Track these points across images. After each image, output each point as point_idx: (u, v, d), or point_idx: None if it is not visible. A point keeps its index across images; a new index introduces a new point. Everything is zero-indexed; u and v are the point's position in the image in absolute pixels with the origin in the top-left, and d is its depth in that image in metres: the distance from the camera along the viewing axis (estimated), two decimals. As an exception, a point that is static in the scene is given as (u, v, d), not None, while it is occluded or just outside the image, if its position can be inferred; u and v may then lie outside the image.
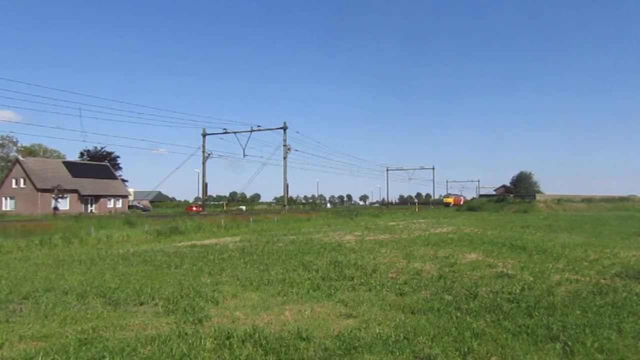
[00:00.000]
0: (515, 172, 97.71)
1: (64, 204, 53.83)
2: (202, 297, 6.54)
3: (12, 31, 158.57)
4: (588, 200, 61.33)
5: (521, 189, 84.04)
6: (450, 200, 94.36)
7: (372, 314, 5.58)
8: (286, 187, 46.50)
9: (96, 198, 59.18)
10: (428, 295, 6.59)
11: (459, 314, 5.49)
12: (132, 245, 15.13)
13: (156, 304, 6.15)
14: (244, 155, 45.86)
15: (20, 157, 55.35)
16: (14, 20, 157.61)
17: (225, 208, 67.41)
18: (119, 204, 62.25)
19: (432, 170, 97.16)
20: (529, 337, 4.62)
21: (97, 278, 8.26)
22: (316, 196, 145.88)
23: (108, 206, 60.13)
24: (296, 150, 54.80)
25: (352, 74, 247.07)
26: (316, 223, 29.44)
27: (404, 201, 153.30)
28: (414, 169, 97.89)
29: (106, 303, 6.25)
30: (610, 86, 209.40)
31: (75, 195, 55.92)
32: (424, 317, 5.42)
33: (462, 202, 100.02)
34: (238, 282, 7.76)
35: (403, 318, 5.37)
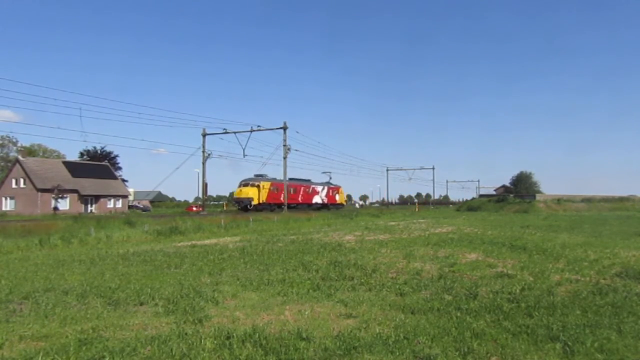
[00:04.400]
0: (515, 172, 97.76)
1: (63, 204, 53.76)
2: (202, 297, 6.53)
3: (12, 31, 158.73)
4: (588, 200, 61.46)
5: (521, 189, 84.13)
6: (250, 193, 45.04)
7: (372, 314, 5.57)
8: (286, 187, 46.55)
9: (96, 198, 59.14)
10: (428, 295, 6.59)
11: (459, 314, 5.49)
12: (132, 245, 15.14)
13: (156, 304, 6.15)
14: (244, 155, 45.82)
15: (20, 157, 55.20)
16: (14, 20, 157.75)
17: (225, 208, 67.30)
18: (119, 204, 62.18)
19: (432, 170, 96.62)
20: (529, 337, 4.62)
21: (97, 278, 8.26)
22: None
23: (108, 206, 60.08)
24: (296, 150, 54.88)
25: (352, 74, 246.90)
26: (316, 223, 29.42)
27: (404, 201, 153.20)
28: (414, 169, 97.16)
29: (106, 303, 6.25)
30: (610, 86, 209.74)
31: (75, 195, 55.87)
32: (424, 317, 5.42)
33: (332, 198, 61.30)
34: (238, 282, 7.75)
35: (403, 318, 5.37)
